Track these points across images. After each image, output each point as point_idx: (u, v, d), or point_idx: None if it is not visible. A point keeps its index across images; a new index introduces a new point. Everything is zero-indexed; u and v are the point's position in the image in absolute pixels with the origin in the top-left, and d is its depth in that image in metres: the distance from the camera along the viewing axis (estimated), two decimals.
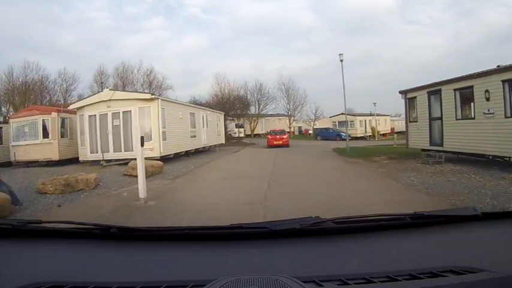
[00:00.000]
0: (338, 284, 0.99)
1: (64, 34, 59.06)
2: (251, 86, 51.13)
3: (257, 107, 49.88)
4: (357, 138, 35.65)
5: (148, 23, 66.61)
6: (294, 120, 51.21)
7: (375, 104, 43.20)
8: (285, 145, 26.06)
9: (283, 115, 50.61)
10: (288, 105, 50.69)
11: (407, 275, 1.01)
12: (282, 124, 45.45)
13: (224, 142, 27.27)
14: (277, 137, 27.23)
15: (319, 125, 47.35)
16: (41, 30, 56.43)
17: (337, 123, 41.03)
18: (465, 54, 65.95)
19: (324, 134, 39.51)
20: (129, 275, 1.14)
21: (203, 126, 21.59)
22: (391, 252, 1.26)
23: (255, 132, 47.00)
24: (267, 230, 1.36)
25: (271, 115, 50.78)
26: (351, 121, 37.74)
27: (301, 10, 70.99)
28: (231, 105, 39.60)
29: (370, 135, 40.45)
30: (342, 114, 33.97)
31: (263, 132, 45.27)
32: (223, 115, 28.70)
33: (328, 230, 1.40)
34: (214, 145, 24.08)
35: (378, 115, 42.76)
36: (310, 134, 48.75)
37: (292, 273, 1.00)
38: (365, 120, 41.73)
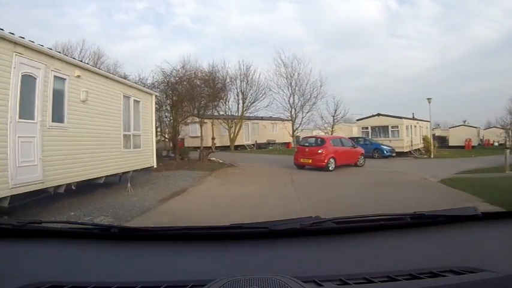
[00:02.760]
0: (338, 284, 0.99)
1: None
2: (233, 68, 33.78)
3: (241, 103, 31.48)
4: (402, 154, 23.09)
5: (136, 30, 63.32)
6: (300, 125, 32.20)
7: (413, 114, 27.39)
8: (322, 167, 14.68)
9: (278, 119, 33.48)
10: (292, 99, 31.60)
11: (407, 275, 1.01)
12: (279, 131, 33.31)
13: (154, 163, 11.84)
14: (312, 150, 15.36)
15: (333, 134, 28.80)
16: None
17: (369, 129, 25.69)
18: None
19: None
20: (129, 275, 1.14)
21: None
22: (391, 252, 1.27)
23: (238, 143, 30.04)
24: (266, 230, 1.36)
25: (262, 118, 33.37)
26: (393, 126, 24.69)
27: (290, 21, 68.02)
28: (198, 94, 20.03)
29: (418, 150, 25.77)
30: (379, 115, 25.55)
31: (249, 143, 31.53)
32: (153, 97, 12.19)
33: (328, 230, 1.40)
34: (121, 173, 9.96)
35: (416, 119, 27.25)
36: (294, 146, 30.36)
37: (292, 273, 1.00)
38: (411, 126, 25.69)
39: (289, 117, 31.86)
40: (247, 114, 31.84)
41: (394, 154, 21.65)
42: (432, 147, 24.55)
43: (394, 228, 1.45)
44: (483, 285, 0.95)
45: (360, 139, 23.25)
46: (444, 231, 1.42)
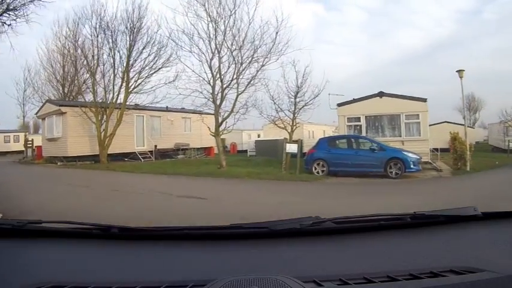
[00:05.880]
0: (338, 284, 0.99)
1: None
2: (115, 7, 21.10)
3: (123, 68, 17.70)
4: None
5: None
6: (233, 114, 15.69)
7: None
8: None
9: (196, 111, 18.56)
10: (215, 61, 15.22)
11: (407, 275, 1.01)
12: (195, 131, 21.06)
13: None
14: None
15: (297, 135, 16.79)
16: None
17: (363, 122, 15.23)
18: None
19: (343, 156, 12.41)
20: (129, 275, 1.14)
21: None
22: (391, 252, 1.26)
23: (120, 150, 18.19)
24: (267, 230, 1.36)
25: (168, 109, 20.58)
26: (409, 115, 14.64)
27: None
28: None
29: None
30: (381, 95, 14.96)
31: (145, 148, 19.52)
32: None
33: (328, 230, 1.40)
34: None
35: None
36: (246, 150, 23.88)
37: (292, 273, 1.00)
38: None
39: (211, 101, 15.11)
40: (142, 103, 18.56)
41: (420, 168, 12.08)
42: (468, 153, 13.00)
43: (394, 228, 1.45)
44: (483, 285, 0.95)
45: (359, 140, 13.17)
46: (444, 231, 1.42)
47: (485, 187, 9.96)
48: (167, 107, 20.17)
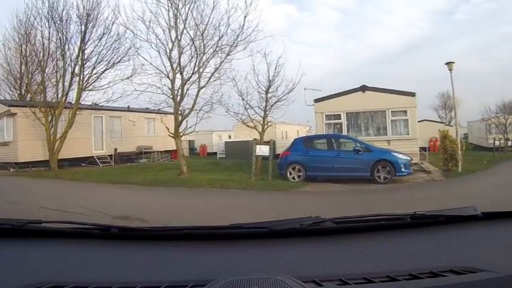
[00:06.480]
0: (338, 284, 0.99)
1: None
2: None
3: (76, 62, 15.02)
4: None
5: None
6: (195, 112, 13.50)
7: None
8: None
9: (160, 112, 16.49)
10: (176, 52, 13.08)
11: (407, 275, 1.01)
12: (159, 132, 17.59)
13: None
14: None
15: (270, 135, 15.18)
16: None
17: (343, 119, 13.67)
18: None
19: (323, 159, 10.93)
20: (129, 275, 1.14)
21: None
22: (391, 252, 1.27)
23: (78, 154, 16.43)
24: (267, 230, 1.37)
25: (130, 109, 18.41)
26: (396, 111, 13.33)
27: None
28: None
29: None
30: (364, 90, 13.65)
31: (104, 152, 17.57)
32: None
33: (328, 230, 1.40)
34: None
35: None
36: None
37: (292, 273, 1.00)
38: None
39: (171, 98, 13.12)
40: (98, 102, 15.99)
41: (412, 171, 10.94)
42: (460, 152, 12.19)
43: (394, 228, 1.45)
44: (483, 285, 0.95)
45: (341, 140, 11.76)
46: (444, 231, 1.42)
47: (489, 191, 8.46)
48: (129, 106, 17.67)
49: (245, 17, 12.68)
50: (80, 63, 14.83)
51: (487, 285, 0.95)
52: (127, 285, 1.03)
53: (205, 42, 12.93)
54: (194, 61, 12.94)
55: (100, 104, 16.01)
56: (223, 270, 1.09)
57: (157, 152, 19.65)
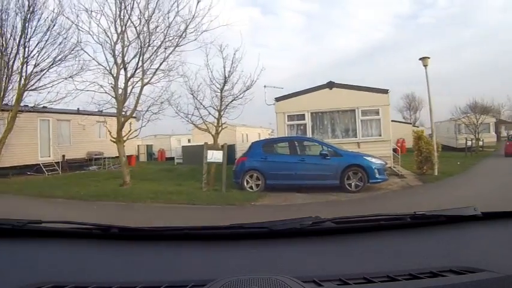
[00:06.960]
0: (338, 284, 1.00)
1: None
2: None
3: (16, 59, 12.38)
4: None
5: None
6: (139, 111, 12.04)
7: None
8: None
9: (112, 114, 13.13)
10: (121, 44, 11.18)
11: (407, 275, 1.02)
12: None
13: None
14: None
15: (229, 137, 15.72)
16: None
17: (307, 120, 12.37)
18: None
19: (284, 165, 9.61)
20: (129, 275, 1.14)
21: None
22: (391, 252, 1.27)
23: (19, 162, 14.58)
24: (267, 230, 1.37)
25: (79, 111, 16.48)
26: (366, 111, 12.18)
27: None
28: None
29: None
30: (331, 86, 12.54)
31: (50, 159, 15.99)
32: None
33: (328, 230, 1.40)
34: None
35: None
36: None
37: (292, 273, 1.00)
38: None
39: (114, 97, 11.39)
40: (40, 103, 13.46)
41: (387, 177, 9.83)
42: (436, 154, 11.56)
43: (394, 228, 1.46)
44: (483, 285, 0.96)
45: (305, 143, 10.56)
46: (444, 231, 1.42)
47: (475, 197, 7.41)
48: (78, 108, 15.92)
49: (198, 2, 11.13)
50: (21, 59, 12.75)
51: (487, 285, 0.96)
52: (127, 285, 1.02)
53: (150, 29, 11.27)
54: (139, 55, 11.29)
55: (42, 106, 13.86)
56: (223, 270, 1.09)
57: (109, 158, 17.82)
